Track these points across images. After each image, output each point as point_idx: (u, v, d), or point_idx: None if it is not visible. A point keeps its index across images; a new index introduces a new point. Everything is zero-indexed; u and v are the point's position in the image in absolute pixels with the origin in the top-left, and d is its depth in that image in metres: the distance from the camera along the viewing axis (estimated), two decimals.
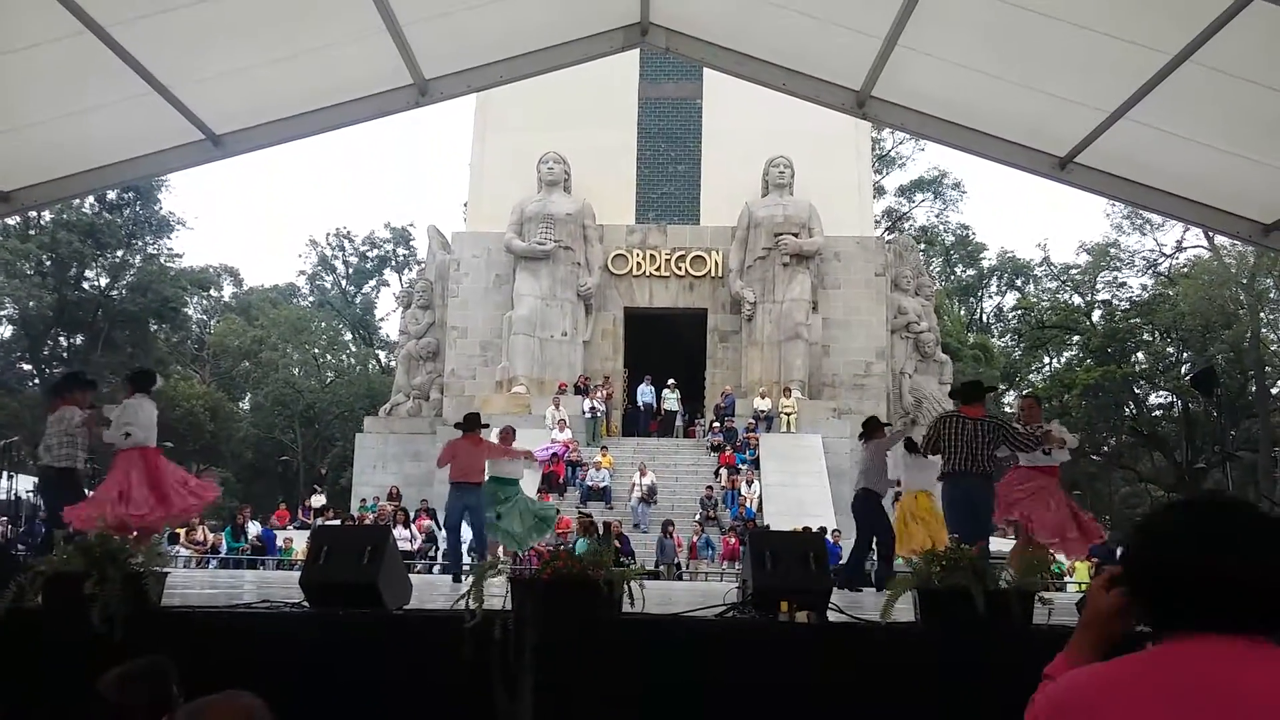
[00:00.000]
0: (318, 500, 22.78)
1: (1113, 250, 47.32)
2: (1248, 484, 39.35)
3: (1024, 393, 10.75)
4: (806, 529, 15.34)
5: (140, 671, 3.12)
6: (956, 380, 29.35)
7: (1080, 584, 18.12)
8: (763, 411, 25.71)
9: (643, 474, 22.36)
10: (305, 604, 5.01)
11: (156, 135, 7.55)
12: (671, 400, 27.12)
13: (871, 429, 11.30)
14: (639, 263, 28.54)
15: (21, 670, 4.62)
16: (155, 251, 48.52)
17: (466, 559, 12.51)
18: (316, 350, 54.03)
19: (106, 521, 7.74)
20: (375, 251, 58.31)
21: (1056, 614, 4.81)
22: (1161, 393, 46.03)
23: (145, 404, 9.09)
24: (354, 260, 58.58)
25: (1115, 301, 47.27)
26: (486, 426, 12.46)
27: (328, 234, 59.34)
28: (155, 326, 48.09)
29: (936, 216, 55.35)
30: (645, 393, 27.50)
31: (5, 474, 14.36)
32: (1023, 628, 4.61)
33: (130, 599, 4.67)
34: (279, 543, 20.56)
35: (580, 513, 20.11)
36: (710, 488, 22.77)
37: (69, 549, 4.90)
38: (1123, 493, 51.20)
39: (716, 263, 28.39)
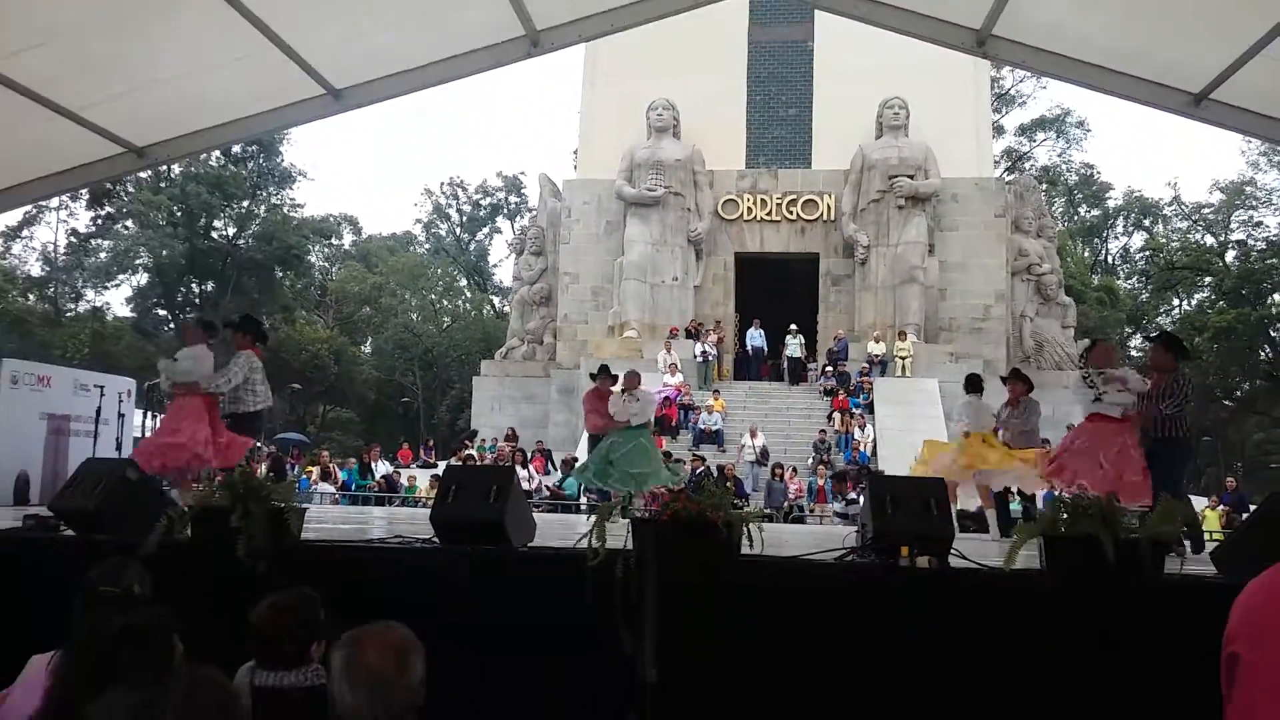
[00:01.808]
0: (468, 451, 23.56)
1: (1248, 189, 45.01)
2: None
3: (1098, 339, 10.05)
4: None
5: (291, 602, 3.29)
6: (1080, 324, 28.41)
7: (1211, 533, 17.46)
8: (877, 356, 25.35)
9: (754, 435, 21.97)
10: (435, 540, 5.19)
11: (279, 90, 7.74)
12: (794, 346, 26.69)
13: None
14: (749, 208, 28.29)
15: (171, 600, 4.90)
16: (278, 202, 50.16)
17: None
18: (433, 296, 55.22)
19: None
20: (488, 199, 59.01)
21: (1188, 563, 4.67)
22: None
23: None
24: (467, 208, 59.39)
25: (1251, 241, 45.05)
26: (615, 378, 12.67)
27: (442, 183, 60.46)
28: (280, 274, 49.82)
29: (1059, 156, 53.29)
30: (755, 336, 27.37)
31: (147, 414, 15.01)
32: (1153, 578, 4.49)
33: (272, 533, 4.90)
34: (404, 480, 21.22)
35: (694, 455, 20.22)
36: (823, 432, 22.63)
37: (214, 485, 5.16)
38: (1256, 439, 49.03)
39: (828, 206, 27.93)
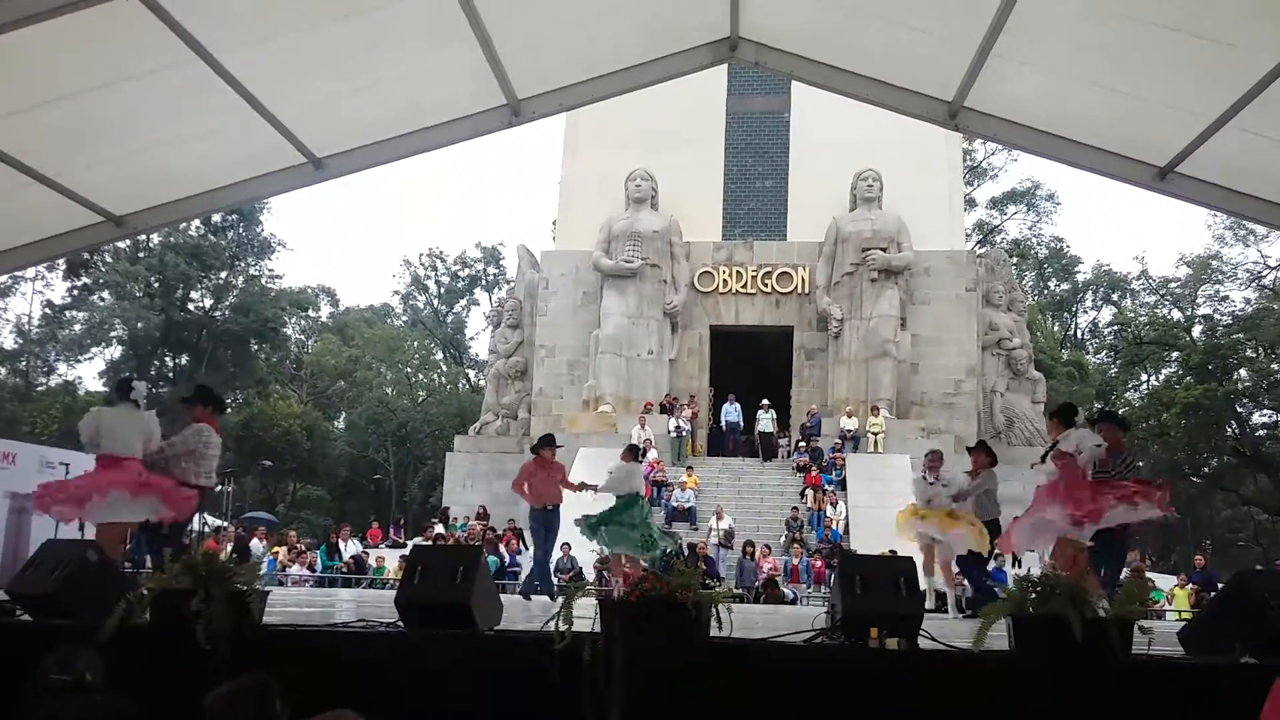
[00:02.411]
0: (439, 528, 23.33)
1: (1214, 262, 45.79)
2: None
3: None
4: (893, 552, 15.03)
5: (247, 688, 3.23)
6: (1050, 399, 28.63)
7: (1180, 612, 17.45)
8: (850, 431, 25.40)
9: (719, 518, 21.72)
10: (400, 624, 5.11)
11: (261, 159, 7.81)
12: (765, 421, 26.69)
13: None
14: (725, 280, 28.53)
15: (128, 687, 4.79)
16: (257, 273, 50.12)
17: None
18: (409, 369, 55.03)
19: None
20: (466, 271, 59.26)
21: (1156, 643, 4.65)
22: (1266, 411, 44.31)
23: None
24: (446, 280, 59.61)
25: (1217, 316, 45.71)
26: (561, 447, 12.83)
27: (420, 254, 60.57)
28: (256, 346, 49.54)
29: (1029, 229, 54.26)
30: (730, 412, 27.35)
31: None
32: (1122, 657, 4.48)
33: (234, 617, 4.81)
34: (372, 561, 20.90)
35: (665, 534, 20.06)
36: (796, 509, 22.54)
37: (175, 568, 5.07)
38: (1224, 516, 49.20)
39: (803, 279, 28.20)
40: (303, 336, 56.64)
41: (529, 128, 8.59)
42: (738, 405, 27.22)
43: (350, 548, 21.22)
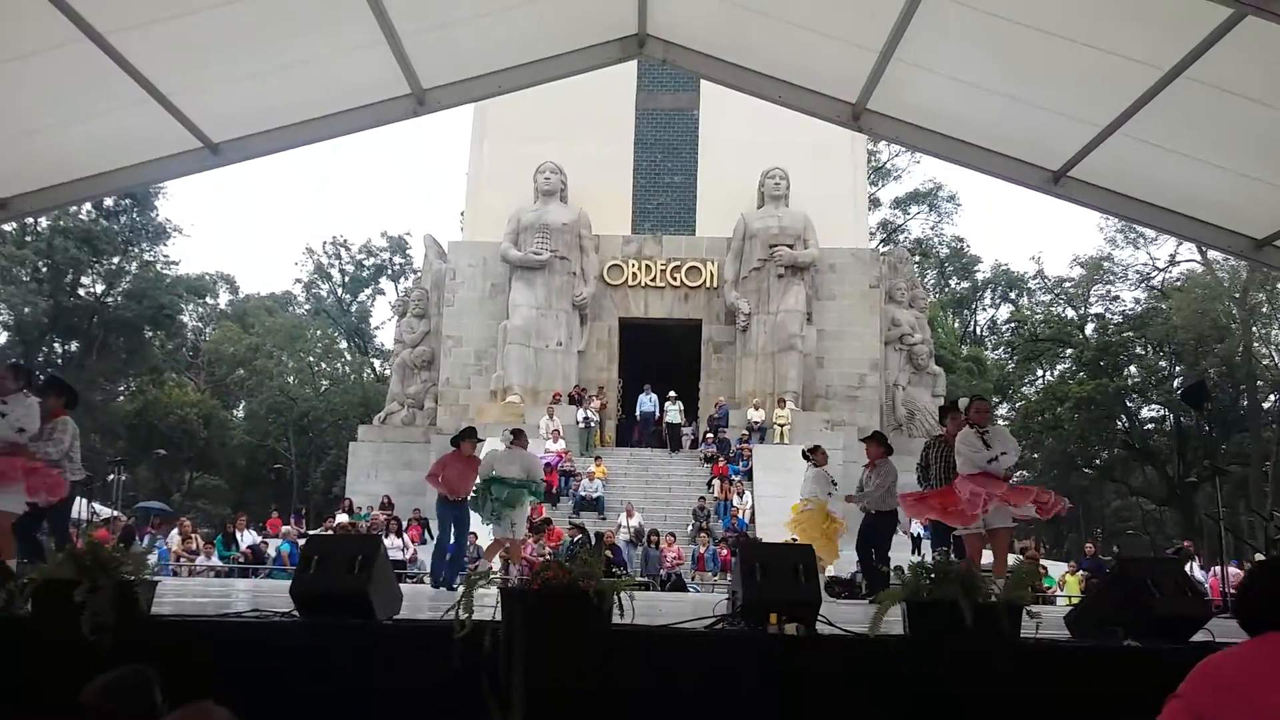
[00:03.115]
0: (342, 518, 22.81)
1: (1106, 264, 47.51)
2: (1239, 498, 39.37)
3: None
4: (794, 539, 15.26)
5: (123, 681, 3.11)
6: (950, 393, 29.41)
7: (1070, 597, 18.07)
8: (756, 422, 25.73)
9: (630, 515, 21.65)
10: (295, 613, 5.00)
11: (155, 143, 7.55)
12: (674, 413, 26.92)
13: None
14: (634, 273, 28.62)
15: (9, 678, 4.60)
16: (151, 258, 48.44)
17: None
18: (311, 358, 53.98)
19: None
20: (372, 260, 58.33)
21: (1045, 628, 4.81)
22: (1153, 406, 46.17)
23: None
24: (350, 269, 58.57)
25: (1108, 315, 47.45)
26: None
27: (324, 242, 59.38)
28: (150, 333, 47.98)
29: (931, 229, 55.68)
30: (645, 402, 27.45)
31: None
32: (1011, 640, 4.61)
33: (120, 607, 4.65)
34: (271, 551, 20.37)
35: (572, 524, 20.05)
36: (703, 498, 22.74)
37: (59, 557, 4.89)
38: (1114, 506, 51.27)
39: (712, 274, 28.46)
40: (200, 324, 55.10)
41: (438, 116, 8.47)
42: (654, 396, 27.34)
43: (247, 538, 20.71)
